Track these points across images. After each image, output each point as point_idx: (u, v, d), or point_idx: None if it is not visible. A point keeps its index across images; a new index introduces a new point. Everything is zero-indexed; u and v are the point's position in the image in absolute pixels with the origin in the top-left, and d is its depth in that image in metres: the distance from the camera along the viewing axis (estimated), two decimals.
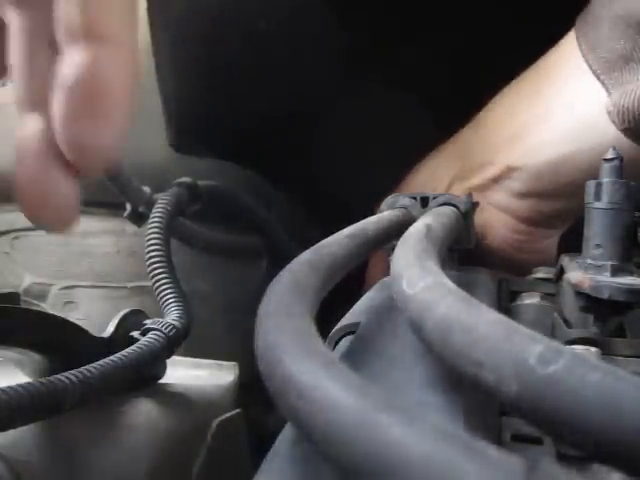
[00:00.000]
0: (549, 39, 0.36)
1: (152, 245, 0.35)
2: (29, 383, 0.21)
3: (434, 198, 0.33)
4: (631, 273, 0.26)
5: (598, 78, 0.32)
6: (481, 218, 0.36)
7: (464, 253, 0.35)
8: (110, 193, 0.38)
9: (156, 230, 0.36)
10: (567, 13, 0.35)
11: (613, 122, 0.31)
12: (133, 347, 0.27)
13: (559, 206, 0.35)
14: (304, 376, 0.12)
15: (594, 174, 0.27)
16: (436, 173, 0.41)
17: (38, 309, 0.40)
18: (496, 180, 0.37)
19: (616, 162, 0.26)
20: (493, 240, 0.38)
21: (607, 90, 0.31)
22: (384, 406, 0.11)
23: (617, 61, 0.31)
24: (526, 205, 0.36)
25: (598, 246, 0.26)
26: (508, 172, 0.36)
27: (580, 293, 0.24)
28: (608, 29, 0.31)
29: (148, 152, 0.45)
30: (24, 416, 0.21)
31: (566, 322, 0.25)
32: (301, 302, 0.16)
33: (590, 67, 0.32)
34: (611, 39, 0.31)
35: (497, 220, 0.38)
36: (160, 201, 0.38)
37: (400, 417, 0.11)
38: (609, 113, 0.31)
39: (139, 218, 0.40)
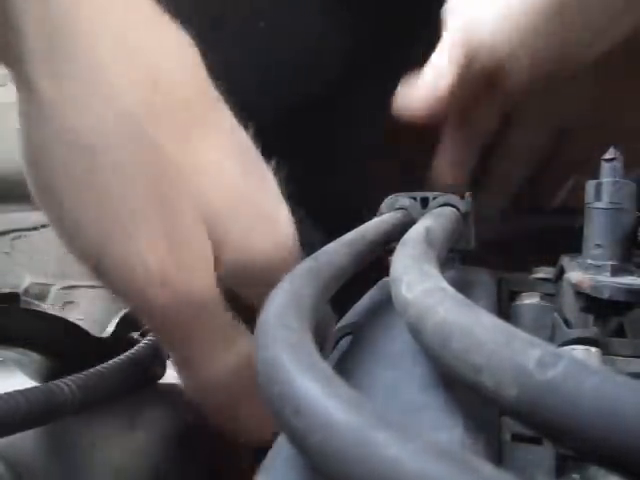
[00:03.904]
0: None
1: None
2: (28, 389, 0.21)
3: (434, 198, 0.33)
4: (631, 273, 0.25)
5: None
6: None
7: (464, 253, 0.35)
8: None
9: None
10: None
11: None
12: (132, 350, 0.27)
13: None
14: (300, 392, 0.12)
15: None
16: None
17: (38, 309, 0.40)
18: None
19: (616, 162, 0.26)
20: None
21: None
22: (380, 423, 0.11)
23: None
24: None
25: (598, 246, 0.26)
26: None
27: (580, 293, 0.24)
28: None
29: None
30: (22, 424, 0.21)
31: (566, 322, 0.25)
32: (299, 315, 0.16)
33: None
34: None
35: None
36: None
37: (396, 435, 0.11)
38: None
39: None
